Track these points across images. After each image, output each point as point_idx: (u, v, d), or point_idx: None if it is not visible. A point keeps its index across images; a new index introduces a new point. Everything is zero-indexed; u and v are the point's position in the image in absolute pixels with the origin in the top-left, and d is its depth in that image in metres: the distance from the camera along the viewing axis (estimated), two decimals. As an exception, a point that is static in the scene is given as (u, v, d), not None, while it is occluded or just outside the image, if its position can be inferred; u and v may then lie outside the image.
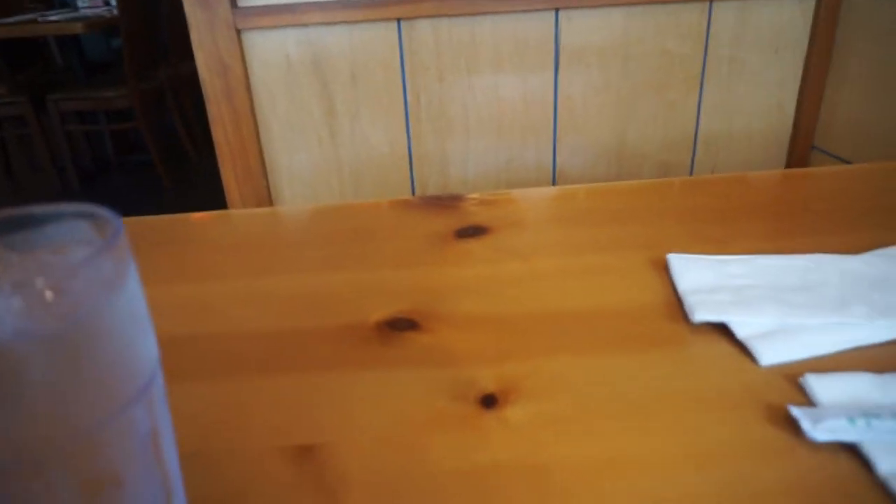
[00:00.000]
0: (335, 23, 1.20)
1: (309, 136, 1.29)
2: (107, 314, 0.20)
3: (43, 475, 0.20)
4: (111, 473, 0.22)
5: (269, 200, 1.29)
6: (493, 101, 1.30)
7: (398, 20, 1.21)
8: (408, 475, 0.31)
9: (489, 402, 0.35)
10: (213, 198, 1.67)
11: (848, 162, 1.22)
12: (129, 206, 2.62)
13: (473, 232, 0.56)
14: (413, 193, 1.36)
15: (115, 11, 2.99)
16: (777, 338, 0.38)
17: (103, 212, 0.23)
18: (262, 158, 1.27)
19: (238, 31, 1.18)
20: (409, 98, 1.27)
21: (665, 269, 0.49)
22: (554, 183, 1.37)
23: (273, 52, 1.21)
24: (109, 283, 0.20)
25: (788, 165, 1.36)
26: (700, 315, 0.41)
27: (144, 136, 2.97)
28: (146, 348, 0.22)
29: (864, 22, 1.17)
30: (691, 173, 1.38)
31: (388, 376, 0.38)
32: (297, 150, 1.29)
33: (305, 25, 1.20)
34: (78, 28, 2.79)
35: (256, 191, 1.27)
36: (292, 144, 1.29)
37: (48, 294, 0.19)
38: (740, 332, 0.39)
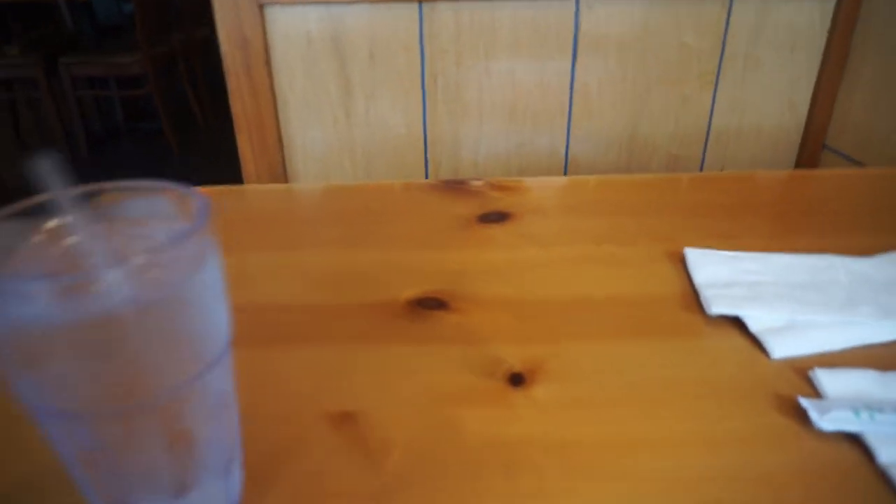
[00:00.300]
0: (357, 2, 1.21)
1: (325, 114, 1.30)
2: (197, 285, 0.22)
3: (135, 424, 0.23)
4: (189, 429, 0.24)
5: (283, 175, 1.31)
6: (509, 86, 1.31)
7: (420, 2, 1.22)
8: (443, 443, 0.33)
9: (517, 380, 0.38)
10: (223, 167, 1.68)
11: (859, 163, 1.24)
12: (139, 173, 2.62)
13: (496, 217, 0.58)
14: (426, 175, 1.37)
15: (129, -24, 2.97)
16: (788, 333, 0.41)
17: (185, 188, 0.25)
18: (278, 133, 1.29)
19: (261, 6, 1.19)
20: (428, 80, 1.28)
21: (680, 261, 0.51)
22: (565, 170, 1.38)
23: (294, 27, 1.22)
24: (200, 257, 0.22)
25: (798, 164, 1.38)
26: (716, 308, 0.43)
27: (155, 103, 2.97)
28: (224, 317, 0.25)
29: (881, 25, 1.18)
30: (701, 167, 1.39)
31: (420, 351, 0.40)
32: (312, 127, 1.31)
33: (328, 3, 1.21)
34: (91, -9, 2.78)
35: (272, 165, 1.29)
36: (308, 121, 1.30)
37: (150, 266, 0.21)
38: (754, 325, 0.41)
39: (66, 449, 0.23)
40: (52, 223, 0.23)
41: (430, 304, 0.45)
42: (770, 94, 1.33)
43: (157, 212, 0.25)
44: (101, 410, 0.22)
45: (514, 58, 1.28)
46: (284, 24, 1.21)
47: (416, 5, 1.22)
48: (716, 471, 0.32)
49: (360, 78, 1.28)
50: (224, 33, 1.19)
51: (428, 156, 1.36)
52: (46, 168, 0.20)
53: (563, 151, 1.37)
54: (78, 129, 3.06)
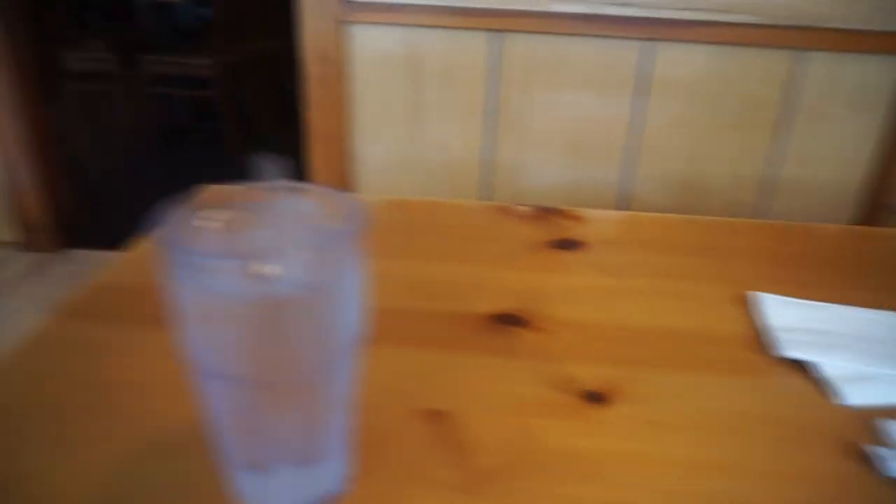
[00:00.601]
0: (434, 26, 1.26)
1: (392, 131, 1.35)
2: (348, 281, 0.26)
3: (280, 395, 0.26)
4: (321, 407, 0.28)
5: (349, 187, 1.36)
6: (572, 120, 1.34)
7: (494, 31, 1.26)
8: (524, 447, 0.36)
9: (593, 398, 0.40)
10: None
11: (919, 225, 1.23)
12: (203, 172, 2.71)
13: (568, 245, 0.61)
14: (483, 199, 1.41)
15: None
16: (861, 382, 0.42)
17: (344, 194, 0.28)
18: (348, 146, 1.34)
19: (344, 24, 1.25)
20: (491, 107, 1.32)
21: (742, 303, 0.53)
22: (623, 205, 1.40)
23: (372, 47, 1.28)
24: (354, 257, 0.26)
25: (855, 221, 1.37)
26: (788, 351, 0.45)
27: (222, 108, 3.08)
28: (361, 314, 0.28)
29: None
30: (756, 216, 1.40)
31: (501, 363, 0.43)
32: (379, 143, 1.36)
33: (405, 25, 1.26)
34: (173, -5, 2.92)
35: (339, 176, 1.34)
36: (376, 136, 1.35)
37: (316, 260, 0.24)
38: (827, 371, 0.43)
39: (222, 409, 0.27)
40: (229, 212, 0.27)
41: (509, 321, 0.48)
42: (831, 149, 1.34)
43: (310, 211, 0.29)
44: (257, 378, 0.25)
45: (579, 92, 1.32)
46: (364, 43, 1.27)
47: (490, 34, 1.26)
48: (776, 501, 0.34)
49: (430, 98, 1.33)
50: (308, 47, 1.26)
51: (486, 180, 1.39)
52: (269, 166, 0.23)
53: (621, 187, 1.40)
54: (147, 124, 3.20)
